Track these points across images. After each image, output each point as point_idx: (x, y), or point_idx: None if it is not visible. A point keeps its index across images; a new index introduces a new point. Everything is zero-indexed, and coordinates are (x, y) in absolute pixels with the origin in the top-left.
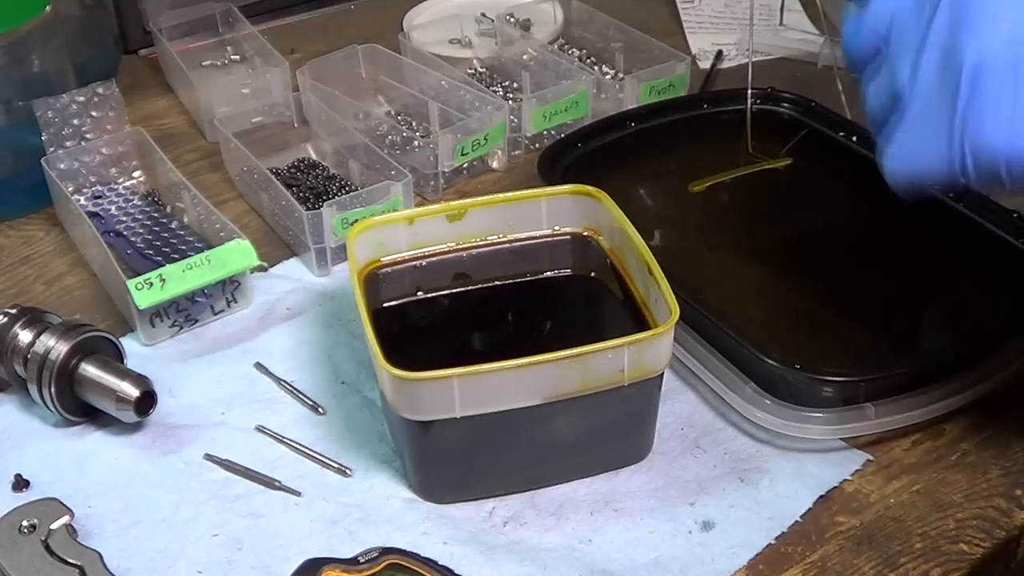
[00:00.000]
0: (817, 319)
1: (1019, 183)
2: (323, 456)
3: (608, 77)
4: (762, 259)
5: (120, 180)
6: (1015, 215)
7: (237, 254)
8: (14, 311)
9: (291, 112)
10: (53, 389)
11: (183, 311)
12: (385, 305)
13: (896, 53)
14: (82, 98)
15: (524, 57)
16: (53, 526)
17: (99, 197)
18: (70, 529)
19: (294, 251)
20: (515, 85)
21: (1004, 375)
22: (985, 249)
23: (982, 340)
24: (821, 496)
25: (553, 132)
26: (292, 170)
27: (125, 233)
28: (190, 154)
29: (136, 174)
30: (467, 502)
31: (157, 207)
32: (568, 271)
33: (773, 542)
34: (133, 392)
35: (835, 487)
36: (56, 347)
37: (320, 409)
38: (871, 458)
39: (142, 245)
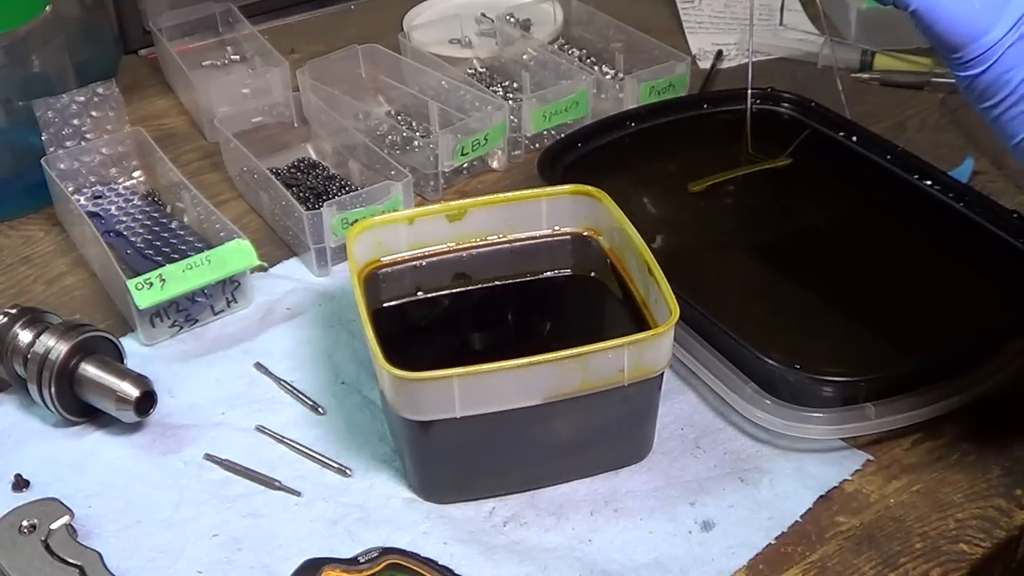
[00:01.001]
0: (817, 319)
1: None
2: (323, 456)
3: (608, 77)
4: (762, 259)
5: (120, 180)
6: (1015, 215)
7: (237, 254)
8: (14, 311)
9: (291, 112)
10: (53, 389)
11: (183, 311)
12: (385, 305)
13: None
14: (82, 98)
15: (524, 57)
16: (53, 526)
17: (99, 197)
18: (70, 529)
19: (294, 251)
20: (515, 85)
21: (1004, 375)
22: (985, 249)
23: (982, 340)
24: (821, 496)
25: (553, 132)
26: (292, 170)
27: (125, 233)
28: (190, 154)
29: (136, 174)
30: (467, 502)
31: (157, 207)
32: (568, 271)
33: (773, 542)
34: (133, 392)
35: (835, 487)
36: (56, 347)
37: (320, 409)
38: (871, 458)
39: (142, 245)
